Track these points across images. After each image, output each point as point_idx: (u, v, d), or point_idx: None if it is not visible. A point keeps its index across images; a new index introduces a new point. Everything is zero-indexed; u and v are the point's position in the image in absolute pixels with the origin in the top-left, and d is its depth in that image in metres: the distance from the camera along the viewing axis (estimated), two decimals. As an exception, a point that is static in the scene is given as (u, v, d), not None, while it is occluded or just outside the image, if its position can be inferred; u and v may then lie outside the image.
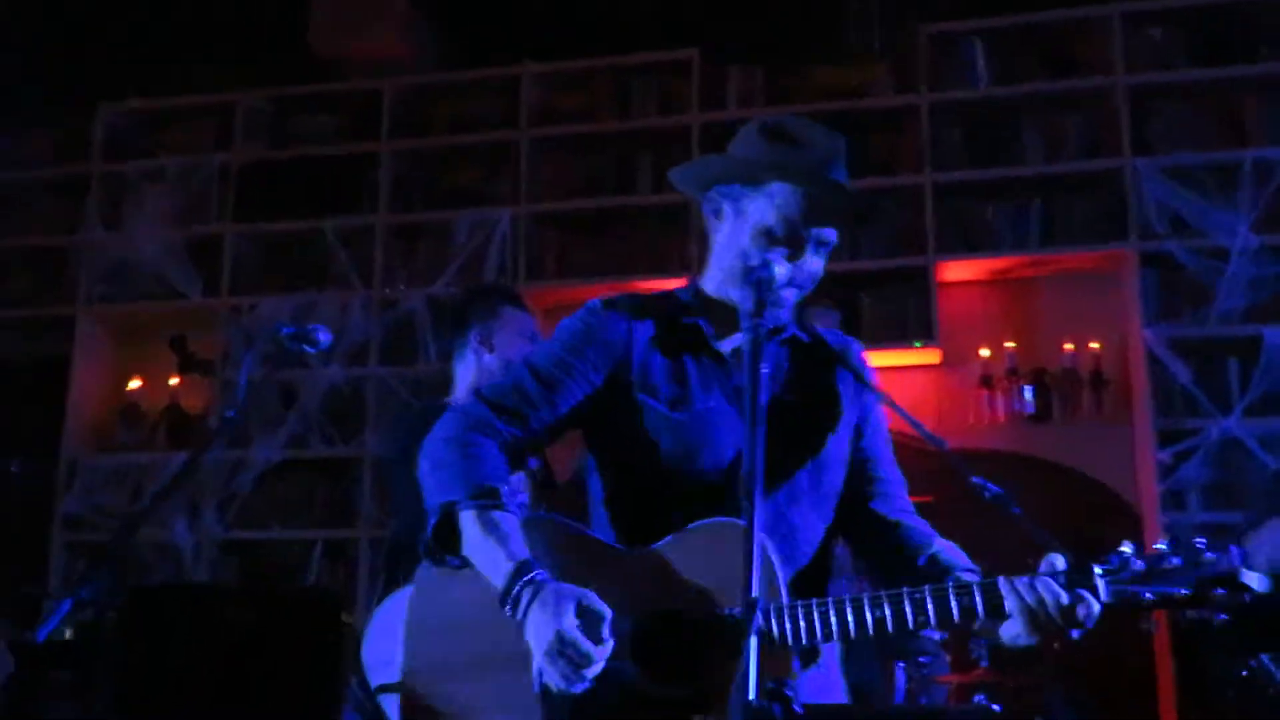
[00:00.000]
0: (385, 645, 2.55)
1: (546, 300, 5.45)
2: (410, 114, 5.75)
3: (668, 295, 2.10)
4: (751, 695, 1.40)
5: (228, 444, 5.05)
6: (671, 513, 1.87)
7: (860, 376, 2.07)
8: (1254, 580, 1.69)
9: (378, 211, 5.61)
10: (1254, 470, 4.60)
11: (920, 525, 2.05)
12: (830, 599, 1.76)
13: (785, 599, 1.76)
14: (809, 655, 1.82)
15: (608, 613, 1.77)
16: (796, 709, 1.41)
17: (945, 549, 1.98)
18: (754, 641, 1.44)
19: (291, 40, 5.64)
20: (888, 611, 1.73)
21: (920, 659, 3.73)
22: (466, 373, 3.13)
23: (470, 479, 1.89)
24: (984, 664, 3.89)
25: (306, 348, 2.59)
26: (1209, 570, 1.68)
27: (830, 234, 1.99)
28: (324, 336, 2.58)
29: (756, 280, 1.84)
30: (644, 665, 1.80)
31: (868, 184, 4.96)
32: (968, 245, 5.12)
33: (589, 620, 1.76)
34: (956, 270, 5.17)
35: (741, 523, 1.67)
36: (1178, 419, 4.74)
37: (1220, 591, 1.66)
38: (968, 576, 1.88)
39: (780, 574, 1.78)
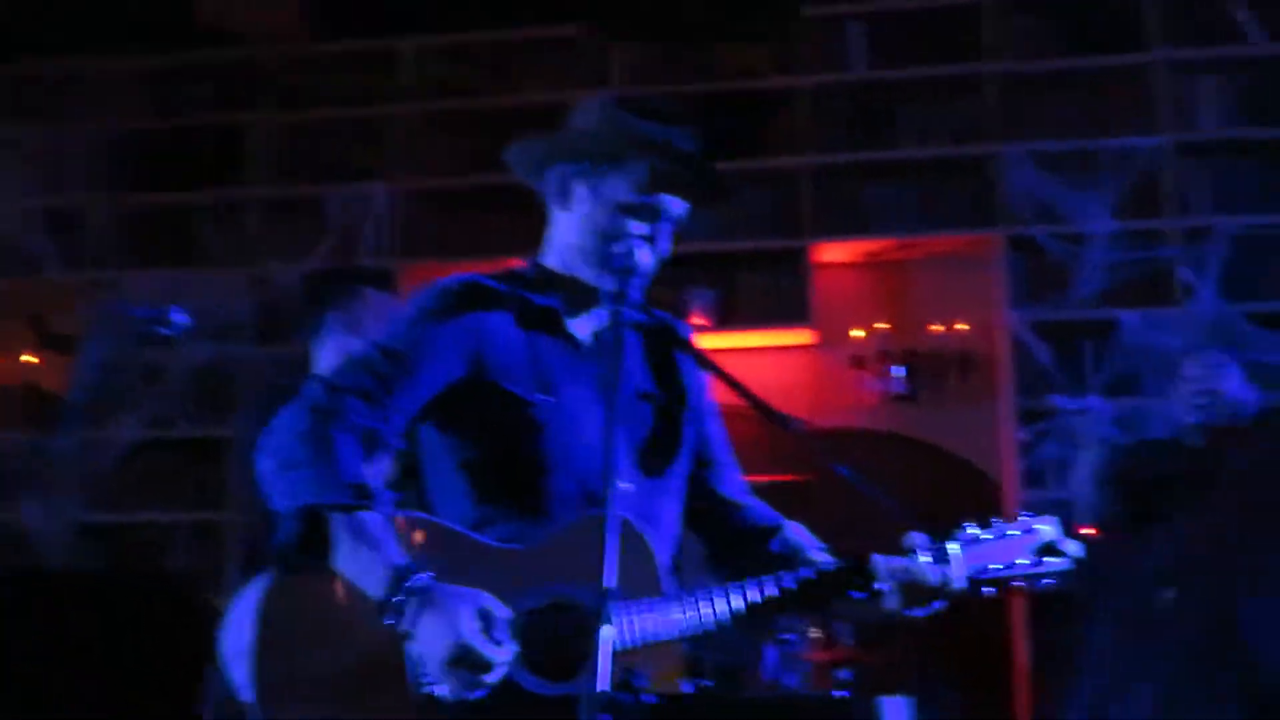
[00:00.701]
0: (247, 633, 2.53)
1: (423, 277, 5.29)
2: (287, 85, 5.63)
3: (512, 274, 2.02)
4: (602, 686, 1.41)
5: (88, 423, 4.89)
6: (539, 505, 1.85)
7: (700, 357, 2.06)
8: (1070, 547, 1.81)
9: (251, 185, 5.48)
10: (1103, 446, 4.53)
11: (762, 506, 2.08)
12: (717, 587, 1.79)
13: (669, 588, 1.80)
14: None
15: (507, 614, 1.73)
16: (645, 699, 1.45)
17: (792, 530, 2.02)
18: (607, 631, 1.43)
19: (172, 6, 5.48)
20: (761, 595, 1.78)
21: (786, 637, 3.80)
22: (327, 356, 3.06)
23: (331, 479, 1.76)
24: (847, 641, 3.97)
25: (161, 330, 2.48)
26: (1040, 540, 1.79)
27: (682, 210, 1.98)
28: (179, 319, 2.47)
29: (622, 267, 1.83)
30: (531, 665, 1.77)
31: (745, 165, 5.00)
32: (843, 227, 5.16)
33: (488, 624, 1.70)
34: (831, 252, 5.21)
35: (623, 515, 1.75)
36: (1038, 399, 4.84)
37: (1052, 560, 1.77)
38: (818, 557, 1.94)
39: (660, 563, 1.80)
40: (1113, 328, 4.81)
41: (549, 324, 1.96)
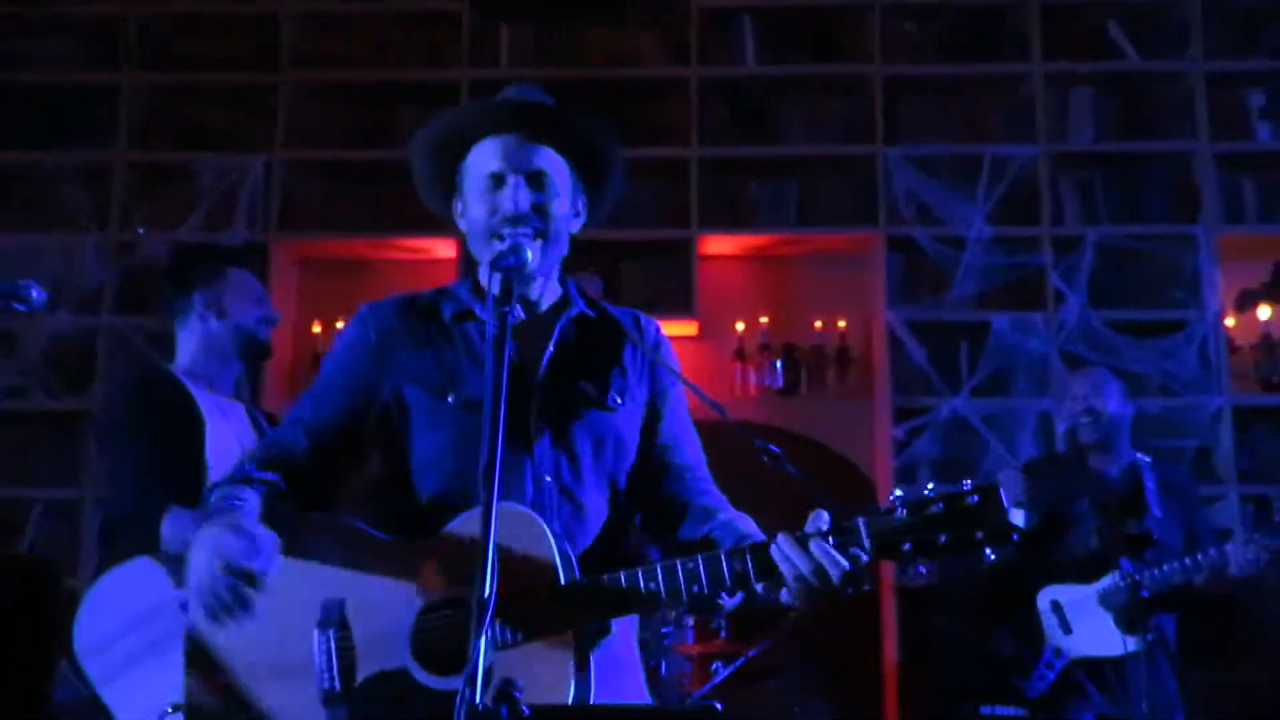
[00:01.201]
0: (101, 627, 2.44)
1: (303, 252, 5.30)
2: (156, 45, 5.40)
3: (441, 290, 2.09)
4: (479, 696, 1.39)
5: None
6: (448, 503, 1.87)
7: (655, 356, 2.06)
8: (1019, 517, 1.76)
9: (116, 148, 5.25)
10: (978, 447, 4.86)
11: (714, 502, 2.01)
12: (605, 575, 1.76)
13: (577, 574, 1.78)
14: (594, 634, 1.81)
15: (270, 536, 1.78)
16: (524, 710, 1.40)
17: (733, 520, 1.95)
18: (482, 642, 1.41)
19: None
20: (661, 583, 1.74)
21: (662, 629, 3.82)
22: (190, 338, 3.01)
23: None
24: (723, 635, 3.99)
25: (16, 305, 2.36)
26: (973, 514, 1.66)
27: (548, 159, 1.97)
28: (37, 294, 2.35)
29: (506, 267, 1.81)
30: (423, 659, 1.79)
31: (633, 154, 4.91)
32: (729, 220, 5.20)
33: (248, 542, 1.76)
34: (717, 244, 5.24)
35: (520, 508, 1.78)
36: (913, 397, 4.96)
37: (980, 535, 1.65)
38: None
39: (558, 553, 1.79)
40: (985, 330, 4.95)
41: (466, 327, 2.00)
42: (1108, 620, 3.51)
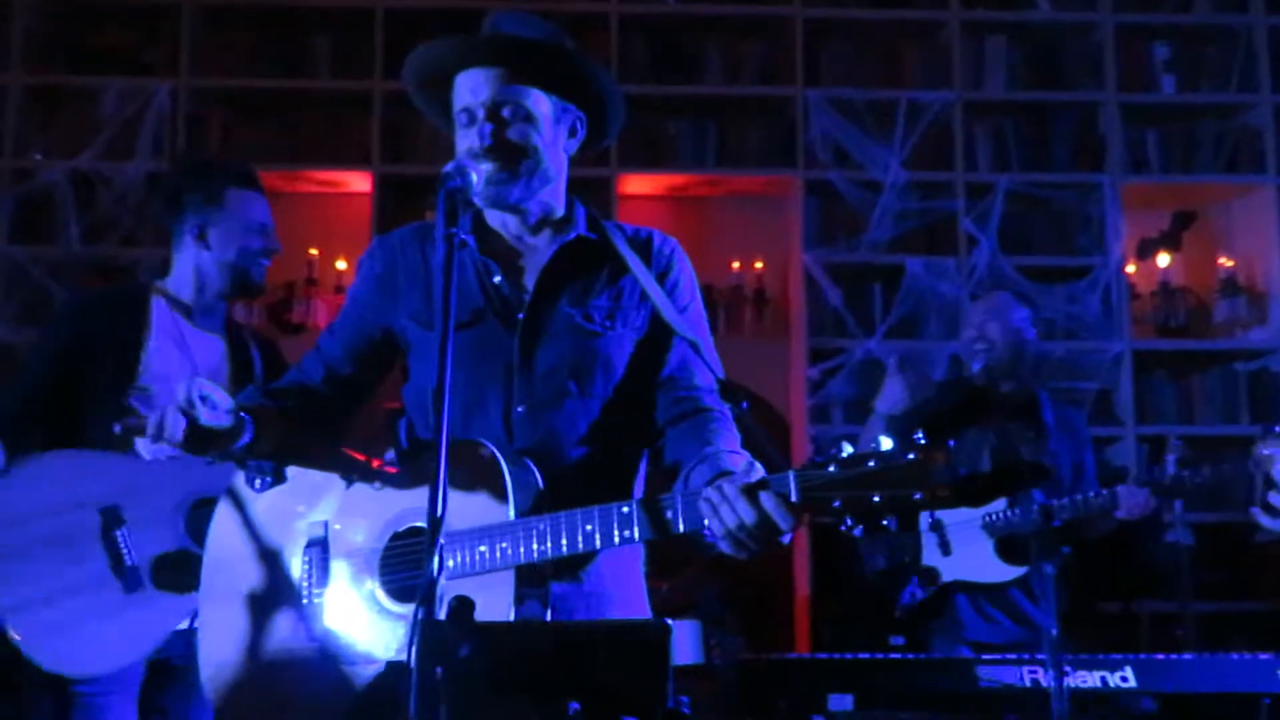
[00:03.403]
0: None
1: None
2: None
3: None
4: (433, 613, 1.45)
5: None
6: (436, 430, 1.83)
7: (664, 277, 2.03)
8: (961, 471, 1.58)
9: (10, 70, 5.05)
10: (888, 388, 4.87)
11: (708, 431, 1.94)
12: (549, 516, 1.76)
13: (528, 509, 1.79)
14: (561, 566, 1.82)
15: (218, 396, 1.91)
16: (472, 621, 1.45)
17: (717, 455, 1.88)
18: (435, 562, 1.46)
19: None
20: (597, 528, 1.72)
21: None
22: (181, 260, 2.83)
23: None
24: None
25: None
26: (913, 472, 1.55)
27: (521, 91, 1.95)
28: None
29: (448, 191, 1.79)
30: (388, 587, 1.89)
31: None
32: (648, 160, 5.19)
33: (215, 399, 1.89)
34: (636, 184, 5.24)
35: (478, 441, 1.81)
36: (828, 338, 5.02)
37: (918, 496, 1.55)
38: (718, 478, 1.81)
39: (511, 487, 1.79)
40: (900, 273, 5.02)
41: (460, 259, 1.95)
42: (988, 546, 3.49)
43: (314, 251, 5.12)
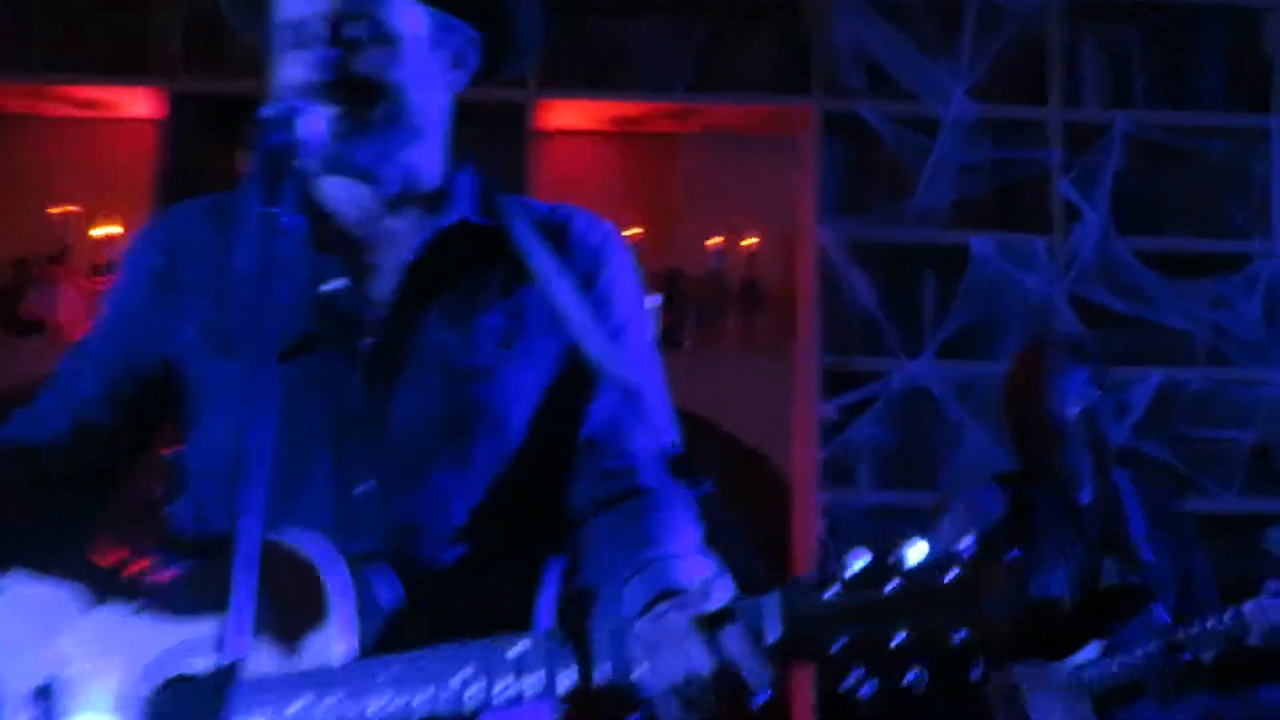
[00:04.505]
0: None
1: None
2: None
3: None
4: None
5: None
6: (223, 512, 1.91)
7: (590, 284, 2.00)
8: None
9: None
10: (945, 433, 4.77)
11: (650, 521, 1.91)
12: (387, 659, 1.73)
13: (354, 647, 1.75)
14: None
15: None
16: None
17: (663, 562, 1.84)
18: None
19: None
20: (476, 679, 1.68)
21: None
22: None
23: None
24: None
25: None
26: (957, 596, 1.49)
27: (375, 2, 1.94)
28: None
29: (269, 149, 1.73)
30: None
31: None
32: (584, 78, 5.08)
33: None
34: (565, 114, 5.09)
35: (299, 540, 1.77)
36: (853, 356, 4.85)
37: (963, 633, 1.48)
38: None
39: (351, 623, 1.76)
40: (962, 257, 4.84)
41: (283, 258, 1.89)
42: (1085, 710, 3.46)
43: (64, 210, 4.98)
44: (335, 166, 1.94)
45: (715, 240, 5.03)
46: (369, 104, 1.93)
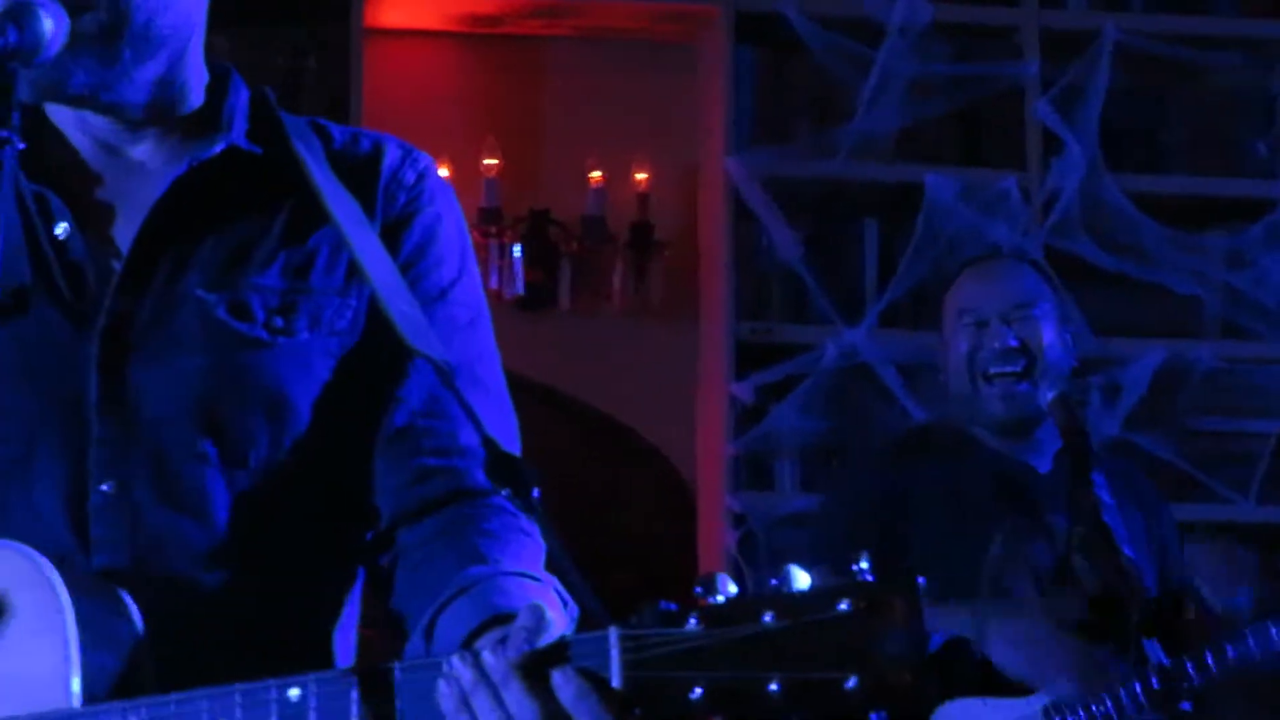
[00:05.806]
0: None
1: None
2: None
3: None
4: None
5: None
6: None
7: (400, 231, 1.74)
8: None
9: None
10: (886, 420, 4.48)
11: (478, 531, 1.74)
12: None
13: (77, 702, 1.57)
14: None
15: None
16: None
17: (494, 581, 1.66)
18: None
19: None
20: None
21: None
22: None
23: None
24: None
25: None
26: (848, 634, 1.32)
27: None
28: None
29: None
30: None
31: None
32: None
33: None
34: (405, 8, 4.82)
35: (26, 554, 1.62)
36: (773, 323, 4.62)
37: (854, 681, 1.29)
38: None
39: (82, 657, 1.58)
40: (914, 199, 4.54)
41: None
42: None
43: None
44: (49, 93, 1.73)
45: (595, 175, 4.75)
46: (78, 10, 1.68)
